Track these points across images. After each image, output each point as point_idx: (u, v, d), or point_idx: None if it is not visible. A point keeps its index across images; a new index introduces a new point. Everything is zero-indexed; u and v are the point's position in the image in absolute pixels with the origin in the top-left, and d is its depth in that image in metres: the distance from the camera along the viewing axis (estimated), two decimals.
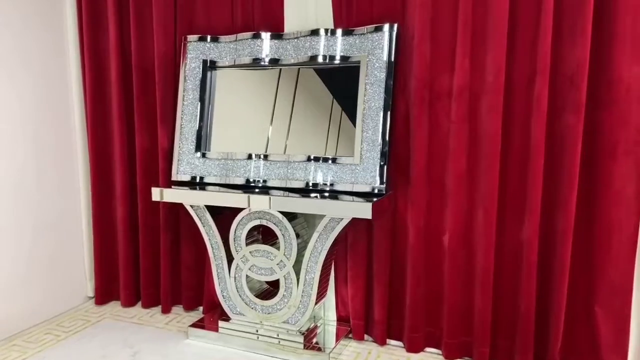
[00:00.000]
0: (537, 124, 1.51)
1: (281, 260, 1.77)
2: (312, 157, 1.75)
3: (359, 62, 1.71)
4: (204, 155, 1.92)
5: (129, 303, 2.22)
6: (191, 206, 1.87)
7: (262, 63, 1.86)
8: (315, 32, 1.75)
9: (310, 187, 1.74)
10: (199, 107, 1.93)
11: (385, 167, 1.65)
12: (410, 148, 1.69)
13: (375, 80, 1.67)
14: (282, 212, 1.72)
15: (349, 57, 1.73)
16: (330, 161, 1.73)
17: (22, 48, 1.96)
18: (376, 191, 1.65)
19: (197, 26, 1.99)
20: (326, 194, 1.71)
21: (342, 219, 1.63)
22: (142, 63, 2.02)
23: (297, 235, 1.81)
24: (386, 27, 1.66)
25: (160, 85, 1.99)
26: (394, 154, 1.73)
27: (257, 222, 1.79)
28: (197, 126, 1.93)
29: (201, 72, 1.94)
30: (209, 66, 1.94)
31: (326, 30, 1.74)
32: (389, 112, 1.65)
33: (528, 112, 1.55)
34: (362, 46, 1.70)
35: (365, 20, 1.72)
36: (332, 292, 1.93)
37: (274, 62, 1.85)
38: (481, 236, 1.63)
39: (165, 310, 2.15)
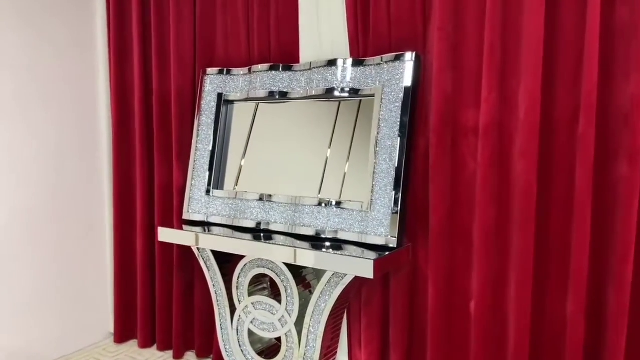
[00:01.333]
0: (583, 172, 1.20)
1: (283, 316, 1.58)
2: (321, 201, 1.56)
3: (373, 95, 1.51)
4: (212, 193, 1.80)
5: (145, 344, 2.13)
6: (198, 249, 1.76)
7: (275, 97, 1.72)
8: (331, 63, 1.57)
9: (319, 235, 1.54)
10: (211, 143, 1.82)
11: (399, 215, 1.42)
12: (429, 193, 1.44)
13: (390, 116, 1.45)
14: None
15: (359, 90, 1.54)
16: (338, 206, 1.53)
17: (53, 77, 1.99)
18: (388, 244, 1.42)
19: (217, 58, 1.90)
20: (332, 245, 1.50)
21: (346, 274, 1.42)
22: (162, 97, 1.97)
23: (308, 286, 1.62)
24: (405, 55, 1.45)
25: (177, 120, 1.92)
26: (412, 200, 1.49)
27: (260, 271, 1.62)
28: (209, 163, 1.82)
29: (216, 106, 1.84)
30: (224, 100, 1.84)
31: (340, 61, 1.56)
32: (404, 152, 1.43)
33: (571, 158, 1.25)
34: (377, 77, 1.50)
35: (384, 46, 1.52)
36: (345, 354, 1.70)
37: (285, 95, 1.70)
38: (514, 306, 1.33)
39: (177, 356, 2.03)
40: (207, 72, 1.86)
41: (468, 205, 1.41)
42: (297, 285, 1.56)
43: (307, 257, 1.41)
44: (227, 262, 1.73)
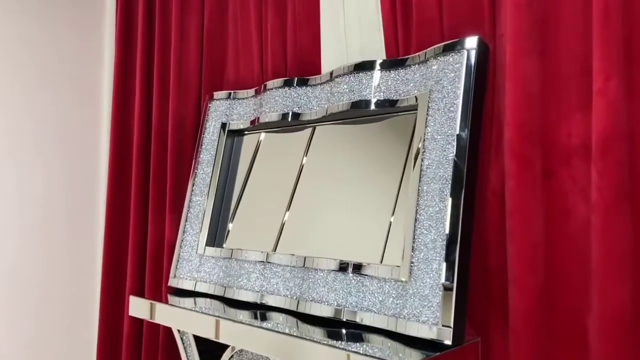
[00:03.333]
0: None
1: None
2: (341, 265, 1.04)
3: (415, 107, 1.01)
4: (205, 252, 1.34)
5: None
6: (178, 330, 1.28)
7: (288, 120, 1.27)
8: (358, 68, 1.11)
9: (335, 318, 1.01)
10: (209, 186, 1.39)
11: (455, 291, 0.86)
12: (507, 257, 0.88)
13: (440, 133, 0.94)
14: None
15: (396, 102, 1.05)
16: (359, 271, 1.00)
17: (49, 122, 1.70)
18: (439, 338, 0.85)
19: (227, 80, 1.52)
20: (350, 333, 0.96)
21: None
22: (161, 132, 1.59)
23: None
24: (462, 42, 0.96)
25: (173, 159, 1.52)
26: (479, 268, 0.93)
27: None
28: (207, 211, 1.38)
29: (218, 139, 1.42)
30: (228, 130, 1.42)
31: (370, 63, 1.10)
32: (463, 188, 0.90)
33: None
34: (422, 80, 1.01)
35: (432, 37, 1.04)
36: None
37: (299, 118, 1.25)
38: None
39: None
40: (214, 97, 1.47)
41: (578, 279, 0.83)
42: None
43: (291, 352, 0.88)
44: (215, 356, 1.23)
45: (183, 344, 1.27)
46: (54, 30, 1.77)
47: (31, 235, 1.70)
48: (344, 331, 0.98)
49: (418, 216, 0.93)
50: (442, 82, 0.97)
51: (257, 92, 1.36)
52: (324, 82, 1.21)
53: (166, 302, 1.24)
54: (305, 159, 1.25)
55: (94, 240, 1.82)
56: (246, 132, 1.41)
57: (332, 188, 1.17)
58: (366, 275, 0.99)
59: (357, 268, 1.01)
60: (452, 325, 0.84)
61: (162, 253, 1.53)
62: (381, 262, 1.00)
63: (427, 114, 0.97)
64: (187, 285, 1.34)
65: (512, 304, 0.86)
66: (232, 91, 1.44)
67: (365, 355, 0.80)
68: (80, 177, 1.80)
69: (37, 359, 1.69)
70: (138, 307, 1.27)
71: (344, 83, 1.14)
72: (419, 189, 0.94)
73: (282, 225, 1.23)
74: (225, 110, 1.44)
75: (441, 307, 0.86)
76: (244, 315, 1.10)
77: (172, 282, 1.38)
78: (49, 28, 1.76)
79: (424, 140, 0.96)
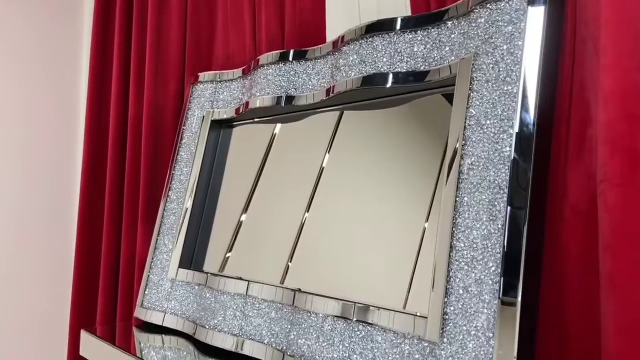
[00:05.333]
0: None
1: None
2: (343, 307, 0.72)
3: (453, 80, 0.69)
4: (178, 275, 1.04)
5: None
6: None
7: (281, 105, 0.97)
8: (371, 30, 0.80)
9: None
10: (186, 189, 1.10)
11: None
12: (603, 324, 0.55)
13: (490, 117, 0.62)
14: None
15: (425, 74, 0.73)
16: (363, 321, 0.68)
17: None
18: None
19: (216, 60, 1.23)
20: None
21: None
22: (136, 126, 1.31)
23: None
24: None
25: (147, 159, 1.24)
26: (550, 332, 0.60)
27: None
28: (185, 222, 1.09)
29: (200, 133, 1.13)
30: (212, 121, 1.13)
31: (388, 23, 0.78)
32: (526, 202, 0.57)
33: None
34: (462, 42, 0.69)
35: None
36: None
37: (293, 102, 0.94)
38: None
39: None
40: (199, 80, 1.18)
41: None
42: None
43: None
44: None
45: None
46: (30, 11, 1.53)
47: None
48: None
49: (455, 243, 0.61)
50: (493, 41, 0.64)
51: (246, 72, 1.06)
52: (328, 54, 0.90)
53: (117, 341, 0.96)
54: (298, 156, 0.94)
55: (67, 249, 1.56)
56: (234, 123, 1.12)
57: (335, 198, 0.85)
58: (377, 325, 0.67)
59: (364, 313, 0.69)
60: None
61: (133, 273, 1.25)
62: (404, 307, 0.68)
63: (470, 89, 0.65)
64: (156, 318, 1.05)
65: None
66: (219, 72, 1.15)
67: None
68: (54, 182, 1.55)
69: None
70: (86, 348, 0.99)
71: (353, 52, 0.83)
72: (456, 202, 0.62)
73: (272, 247, 0.93)
74: (210, 96, 1.14)
75: None
76: None
77: (139, 313, 1.09)
78: (24, 11, 1.52)
79: (465, 128, 0.64)
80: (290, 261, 0.87)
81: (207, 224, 1.09)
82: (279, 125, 1.01)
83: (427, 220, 0.70)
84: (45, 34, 1.55)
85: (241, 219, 1.01)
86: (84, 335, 1.02)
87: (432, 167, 0.72)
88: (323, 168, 0.88)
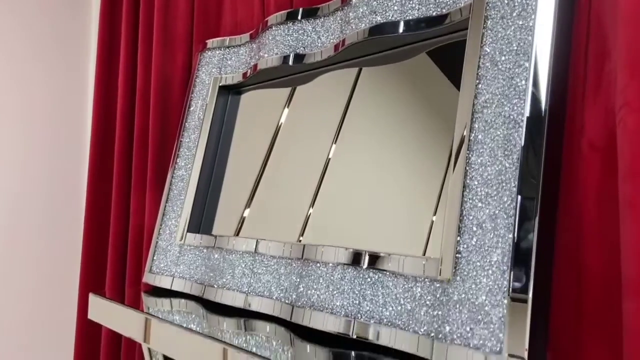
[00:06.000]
0: None
1: None
2: (353, 255, 0.71)
3: (465, 21, 0.67)
4: (185, 240, 1.04)
5: None
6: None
7: (288, 64, 0.96)
8: None
9: (344, 334, 0.68)
10: (194, 155, 1.09)
11: (531, 301, 0.52)
12: (622, 251, 0.53)
13: (505, 52, 0.60)
14: None
15: (441, 20, 0.71)
16: (374, 266, 0.67)
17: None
18: None
19: (224, 28, 1.22)
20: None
21: None
22: (144, 96, 1.31)
23: None
24: None
25: (155, 128, 1.23)
26: (565, 266, 0.59)
27: None
28: (192, 187, 1.08)
29: (208, 99, 1.13)
30: (220, 87, 1.12)
31: None
32: (543, 135, 0.56)
33: None
34: None
35: None
36: None
37: (300, 60, 0.93)
38: None
39: None
40: (207, 47, 1.17)
41: None
42: None
43: None
44: None
45: (151, 357, 0.98)
46: None
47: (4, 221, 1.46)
48: (353, 354, 0.65)
49: (468, 182, 0.60)
50: None
51: (254, 36, 1.05)
52: (337, 9, 0.89)
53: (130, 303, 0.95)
54: (307, 117, 0.93)
55: (76, 224, 1.56)
56: (243, 89, 1.11)
57: (353, 154, 0.84)
58: (387, 271, 0.66)
59: (375, 260, 0.68)
60: (525, 356, 0.50)
61: (142, 240, 1.24)
62: (424, 254, 0.67)
63: (484, 27, 0.64)
64: (164, 282, 1.05)
65: (627, 325, 0.51)
66: (227, 38, 1.14)
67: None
68: (63, 151, 1.55)
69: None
70: (95, 312, 0.99)
71: (362, 4, 0.82)
72: (470, 141, 0.61)
73: (282, 208, 0.92)
74: (218, 62, 1.14)
75: (506, 325, 0.52)
76: (227, 324, 0.80)
77: (148, 278, 1.09)
78: None
79: (479, 67, 0.63)
80: (307, 223, 0.86)
81: (216, 189, 1.08)
82: (290, 88, 1.00)
83: (447, 169, 0.69)
84: (54, 3, 1.56)
85: (254, 182, 1.00)
86: (92, 299, 1.01)
87: (450, 114, 0.70)
88: (341, 128, 0.87)
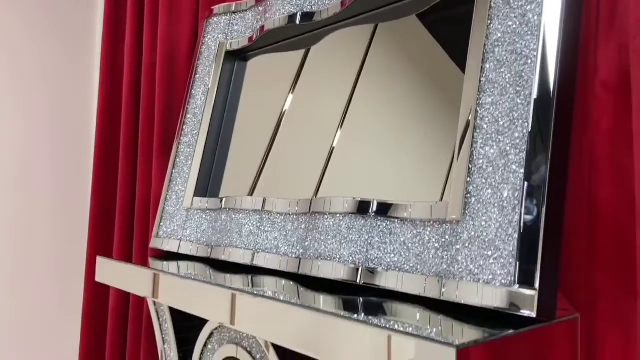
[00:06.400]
0: None
1: None
2: (361, 205, 0.70)
3: None
4: (193, 204, 1.04)
5: None
6: (154, 303, 0.99)
7: (295, 23, 0.95)
8: None
9: (351, 281, 0.68)
10: (201, 121, 1.09)
11: (543, 232, 0.52)
12: (635, 184, 0.52)
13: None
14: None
15: None
16: (385, 214, 0.67)
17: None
18: (517, 305, 0.51)
19: None
20: (368, 304, 0.64)
21: None
22: (150, 64, 1.31)
23: None
24: None
25: (162, 96, 1.23)
26: (578, 201, 0.58)
27: (232, 349, 0.79)
28: (198, 153, 1.08)
29: (214, 65, 1.12)
30: (226, 52, 1.11)
31: None
32: (554, 70, 0.55)
33: None
34: None
35: None
36: None
37: (309, 18, 0.93)
38: None
39: None
40: (213, 13, 1.17)
41: None
42: None
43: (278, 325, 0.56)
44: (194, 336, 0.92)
45: (158, 319, 0.98)
46: None
47: (10, 191, 1.47)
48: (361, 300, 0.65)
49: (478, 122, 0.59)
50: None
51: (260, 0, 1.05)
52: None
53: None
54: (314, 77, 0.93)
55: (84, 195, 1.56)
56: (249, 54, 1.11)
57: (363, 119, 0.84)
58: (396, 218, 0.66)
59: (384, 210, 0.68)
60: (537, 287, 0.50)
61: (149, 209, 1.25)
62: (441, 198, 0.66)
63: None
64: (172, 246, 1.05)
65: None
66: (233, 3, 1.13)
67: (410, 334, 0.46)
68: (71, 120, 1.56)
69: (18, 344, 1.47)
70: (102, 273, 0.99)
71: None
72: (481, 81, 0.60)
73: (294, 171, 0.92)
74: (224, 28, 1.13)
75: (517, 258, 0.51)
76: (234, 280, 0.79)
77: (155, 243, 1.09)
78: None
79: (491, 7, 0.62)
80: (321, 183, 0.86)
81: (223, 154, 1.08)
82: (301, 50, 0.99)
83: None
84: None
85: (267, 145, 0.99)
86: (100, 261, 1.02)
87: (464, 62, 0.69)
88: (355, 86, 0.86)
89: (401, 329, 0.47)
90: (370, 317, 0.55)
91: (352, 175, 0.80)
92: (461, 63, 0.67)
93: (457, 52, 0.70)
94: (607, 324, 0.56)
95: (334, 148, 0.85)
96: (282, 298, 0.61)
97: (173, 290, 0.79)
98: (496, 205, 0.55)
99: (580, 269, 0.56)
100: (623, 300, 0.55)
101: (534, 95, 0.55)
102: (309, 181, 0.86)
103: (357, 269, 0.67)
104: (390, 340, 0.46)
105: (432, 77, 0.74)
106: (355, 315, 0.55)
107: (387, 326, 0.48)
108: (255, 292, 0.64)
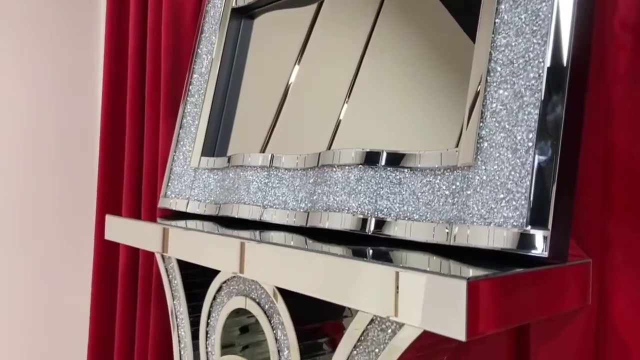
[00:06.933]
0: None
1: None
2: (369, 156, 0.69)
3: None
4: (200, 163, 1.03)
5: None
6: (163, 257, 0.99)
7: None
8: None
9: (360, 231, 0.67)
10: (207, 81, 1.08)
11: (557, 174, 0.50)
12: None
13: None
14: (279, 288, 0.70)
15: None
16: (397, 164, 0.66)
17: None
18: (527, 246, 0.50)
19: None
20: (377, 252, 0.63)
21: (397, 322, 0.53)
22: (155, 23, 1.29)
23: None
24: None
25: (168, 56, 1.22)
26: (593, 145, 0.57)
27: (241, 300, 0.79)
28: (205, 112, 1.07)
29: (220, 23, 1.10)
30: (233, 9, 1.09)
31: None
32: (571, 16, 0.53)
33: None
34: None
35: None
36: None
37: None
38: None
39: None
40: None
41: None
42: (304, 338, 0.69)
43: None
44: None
45: (168, 276, 0.98)
46: None
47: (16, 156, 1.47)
48: (369, 249, 0.65)
49: (492, 65, 0.58)
50: None
51: None
52: None
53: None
54: (334, 37, 0.91)
55: (91, 159, 1.57)
56: (256, 11, 1.09)
57: (368, 72, 0.82)
58: (405, 167, 0.65)
59: (394, 160, 0.67)
60: (549, 227, 0.49)
61: (156, 171, 1.24)
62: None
63: None
64: (179, 205, 1.05)
65: None
66: None
67: (419, 270, 0.46)
68: (77, 83, 1.55)
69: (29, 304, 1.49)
70: (110, 230, 0.99)
71: None
72: (495, 23, 0.58)
73: (300, 127, 0.91)
74: None
75: (530, 199, 0.50)
76: (242, 235, 0.79)
77: (163, 203, 1.09)
78: None
79: None
80: (334, 138, 0.84)
81: (230, 114, 1.07)
82: (310, 6, 0.97)
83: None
84: None
85: (278, 103, 0.98)
86: (109, 219, 1.02)
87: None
88: (370, 39, 0.84)
89: (410, 266, 0.47)
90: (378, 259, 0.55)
91: (364, 131, 0.79)
92: (475, 14, 0.65)
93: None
94: (620, 270, 0.55)
95: (345, 106, 0.84)
96: (291, 243, 0.61)
97: (182, 243, 0.79)
98: (509, 147, 0.53)
99: (594, 215, 0.56)
100: (637, 246, 0.54)
101: (551, 34, 0.53)
102: (320, 140, 0.85)
103: (366, 220, 0.67)
104: (399, 276, 0.45)
105: (450, 24, 0.72)
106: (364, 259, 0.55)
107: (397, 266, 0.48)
108: (264, 241, 0.64)
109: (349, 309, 0.78)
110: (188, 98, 1.12)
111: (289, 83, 0.96)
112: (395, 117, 0.75)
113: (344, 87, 0.84)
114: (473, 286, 0.40)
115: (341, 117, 0.83)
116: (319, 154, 0.77)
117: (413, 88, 0.74)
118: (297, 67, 0.95)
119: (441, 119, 0.69)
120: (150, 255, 1.25)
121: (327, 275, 0.53)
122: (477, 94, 0.58)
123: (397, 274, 0.46)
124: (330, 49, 0.91)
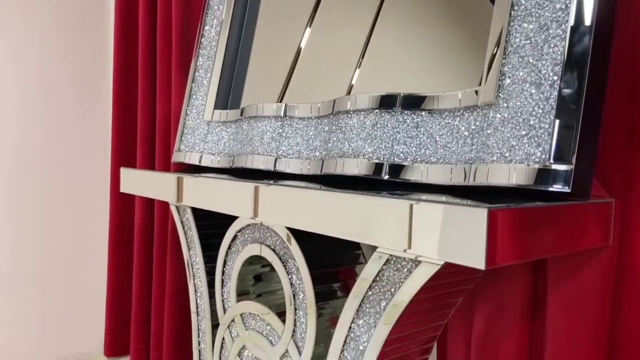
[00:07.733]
0: None
1: (287, 351, 0.73)
2: (385, 100, 0.68)
3: None
4: (213, 117, 1.02)
5: None
6: (176, 208, 0.99)
7: None
8: None
9: (376, 176, 0.67)
10: (220, 32, 1.06)
11: (583, 108, 0.49)
12: None
13: None
14: (292, 230, 0.69)
15: None
16: (417, 107, 0.64)
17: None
18: (549, 181, 0.49)
19: None
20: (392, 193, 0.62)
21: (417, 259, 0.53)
22: None
23: (345, 288, 0.75)
24: None
25: (178, 8, 1.19)
26: (619, 76, 0.55)
27: (256, 248, 0.79)
28: (218, 64, 1.05)
29: None
30: None
31: None
32: None
33: None
34: None
35: None
36: None
37: None
38: None
39: None
40: None
41: None
42: (319, 282, 0.69)
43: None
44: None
45: (183, 227, 0.99)
46: None
47: (35, 116, 1.48)
48: (385, 192, 0.64)
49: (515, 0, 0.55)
50: None
51: None
52: None
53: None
54: None
55: (104, 116, 1.57)
56: None
57: (395, 21, 0.80)
58: (422, 110, 0.63)
59: (411, 103, 0.65)
60: (573, 161, 0.47)
61: (169, 127, 1.24)
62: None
63: None
64: (193, 159, 1.05)
65: None
66: None
67: (436, 201, 0.45)
68: (87, 46, 1.54)
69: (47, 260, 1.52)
70: (125, 182, 1.00)
71: None
72: None
73: (323, 78, 0.89)
74: None
75: (552, 134, 0.49)
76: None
77: (177, 157, 1.09)
78: None
79: None
80: (351, 88, 0.83)
81: (242, 66, 1.05)
82: None
83: None
84: None
85: (294, 55, 0.96)
86: (124, 172, 1.02)
87: None
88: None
89: (425, 199, 0.46)
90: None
91: (381, 80, 0.77)
92: None
93: None
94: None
95: (363, 57, 0.81)
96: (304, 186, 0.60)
97: (196, 191, 0.79)
98: (533, 82, 0.52)
99: (617, 154, 0.54)
100: None
101: None
102: (336, 91, 0.83)
103: (382, 165, 0.66)
104: (412, 209, 0.44)
105: None
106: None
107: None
108: (278, 184, 0.64)
109: (363, 255, 0.78)
110: (200, 51, 1.10)
111: (303, 36, 0.93)
112: (413, 64, 0.73)
113: (362, 35, 0.82)
114: (493, 215, 0.39)
115: (359, 66, 0.81)
116: (334, 100, 0.76)
117: (432, 33, 0.72)
118: (314, 18, 0.93)
119: (460, 62, 0.66)
120: (165, 209, 1.26)
121: (340, 213, 0.53)
122: (501, 29, 0.56)
123: (411, 206, 0.45)
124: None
